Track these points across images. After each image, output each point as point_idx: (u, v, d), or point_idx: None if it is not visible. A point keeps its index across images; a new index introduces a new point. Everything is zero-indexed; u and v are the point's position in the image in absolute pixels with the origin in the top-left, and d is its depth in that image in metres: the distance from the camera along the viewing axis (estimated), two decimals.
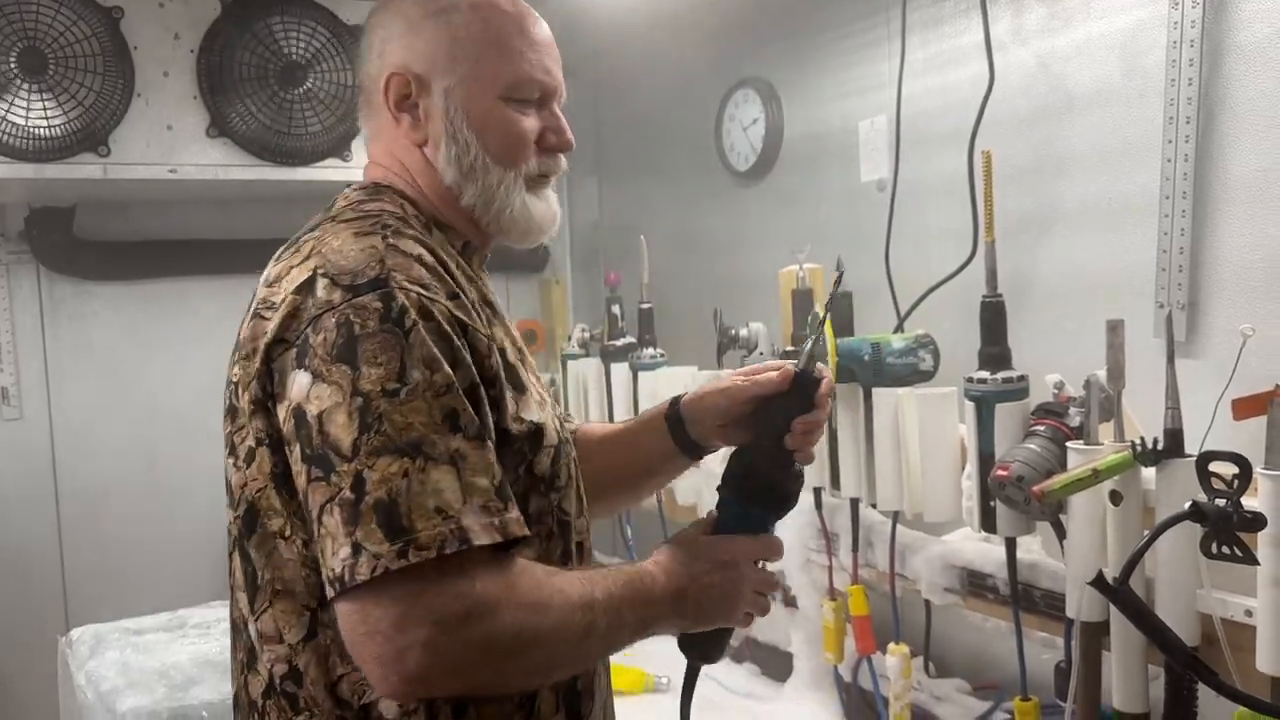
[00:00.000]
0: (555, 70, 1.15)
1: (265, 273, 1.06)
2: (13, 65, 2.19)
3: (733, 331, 2.09)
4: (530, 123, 1.13)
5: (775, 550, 1.15)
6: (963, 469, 1.66)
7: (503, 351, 1.05)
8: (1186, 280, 1.59)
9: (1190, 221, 1.58)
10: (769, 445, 1.13)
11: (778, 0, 2.43)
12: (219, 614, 2.14)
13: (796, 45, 2.39)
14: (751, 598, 1.12)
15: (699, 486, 2.33)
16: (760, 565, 1.14)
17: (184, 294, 2.84)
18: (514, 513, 0.94)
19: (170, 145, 2.37)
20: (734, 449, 1.19)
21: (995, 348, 1.56)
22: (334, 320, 0.93)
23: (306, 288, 0.97)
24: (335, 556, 0.88)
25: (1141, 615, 1.02)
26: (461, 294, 1.02)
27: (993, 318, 1.56)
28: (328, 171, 2.41)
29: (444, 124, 1.10)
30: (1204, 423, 1.27)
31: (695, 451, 1.25)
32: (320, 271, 0.97)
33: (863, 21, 2.21)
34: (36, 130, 2.22)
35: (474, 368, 0.98)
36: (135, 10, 2.30)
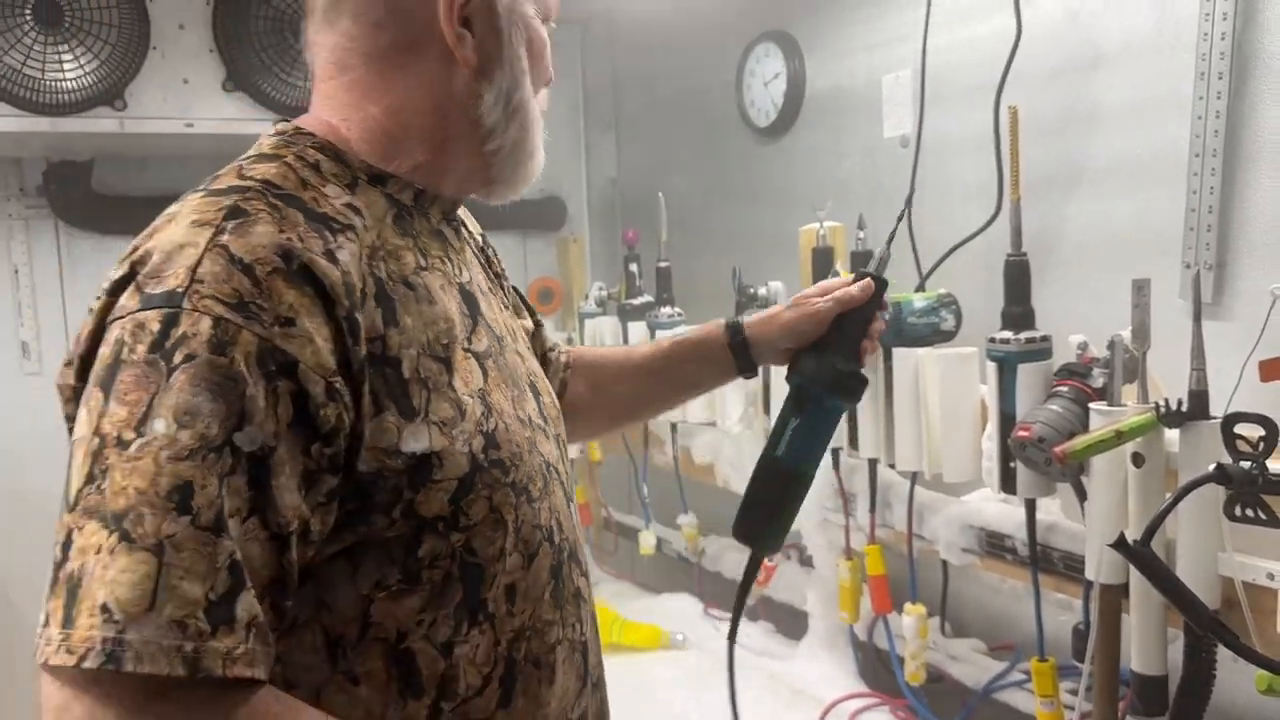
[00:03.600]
0: None
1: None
2: (28, 17, 2.18)
3: (751, 290, 2.07)
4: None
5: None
6: (983, 430, 1.65)
7: (393, 359, 0.81)
8: (1215, 240, 1.56)
9: (1220, 179, 1.55)
10: (849, 348, 1.23)
11: None
12: None
13: None
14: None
15: (716, 445, 2.33)
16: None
17: None
18: (232, 643, 0.70)
19: (187, 99, 2.35)
20: (804, 351, 1.24)
21: (1018, 307, 1.54)
22: (115, 334, 0.75)
23: (119, 288, 0.78)
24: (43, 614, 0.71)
25: (1162, 577, 1.01)
26: (337, 294, 0.78)
27: (1017, 277, 1.54)
28: None
29: (496, 39, 0.89)
30: (1229, 386, 1.25)
31: (751, 372, 1.28)
32: (137, 266, 0.78)
33: None
34: (53, 84, 2.21)
35: (283, 422, 0.74)
36: None
